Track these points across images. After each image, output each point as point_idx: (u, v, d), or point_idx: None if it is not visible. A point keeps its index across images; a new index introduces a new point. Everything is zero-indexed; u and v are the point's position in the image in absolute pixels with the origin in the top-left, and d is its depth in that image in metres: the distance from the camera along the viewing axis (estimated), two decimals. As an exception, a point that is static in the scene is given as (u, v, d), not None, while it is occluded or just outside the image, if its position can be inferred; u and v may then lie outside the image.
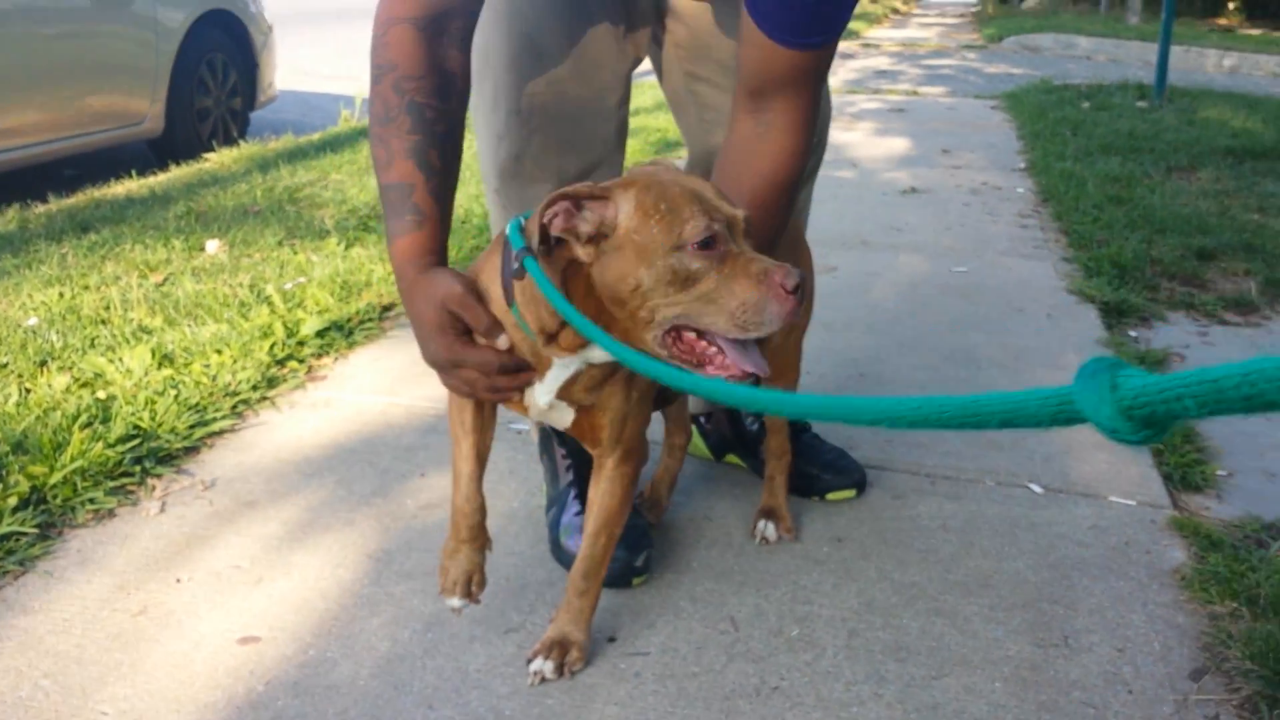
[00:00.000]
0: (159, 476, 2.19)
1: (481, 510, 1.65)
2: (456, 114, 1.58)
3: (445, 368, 1.49)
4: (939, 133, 6.69)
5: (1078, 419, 0.57)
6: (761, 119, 1.60)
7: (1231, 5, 19.37)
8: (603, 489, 1.62)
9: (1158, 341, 3.08)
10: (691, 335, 1.31)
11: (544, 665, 1.61)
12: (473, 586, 1.66)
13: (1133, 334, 3.14)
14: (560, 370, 1.47)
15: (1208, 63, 12.56)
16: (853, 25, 16.15)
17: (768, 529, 2.02)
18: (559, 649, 1.63)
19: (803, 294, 1.26)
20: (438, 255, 1.53)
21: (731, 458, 2.30)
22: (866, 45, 14.38)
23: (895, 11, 24.99)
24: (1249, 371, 0.48)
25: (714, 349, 1.31)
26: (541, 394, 1.50)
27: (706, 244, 1.27)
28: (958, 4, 33.33)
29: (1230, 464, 2.35)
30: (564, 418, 1.55)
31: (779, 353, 1.96)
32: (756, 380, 1.30)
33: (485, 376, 1.46)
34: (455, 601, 1.66)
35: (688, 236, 1.27)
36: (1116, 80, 9.02)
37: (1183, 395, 0.52)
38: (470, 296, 1.43)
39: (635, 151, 5.52)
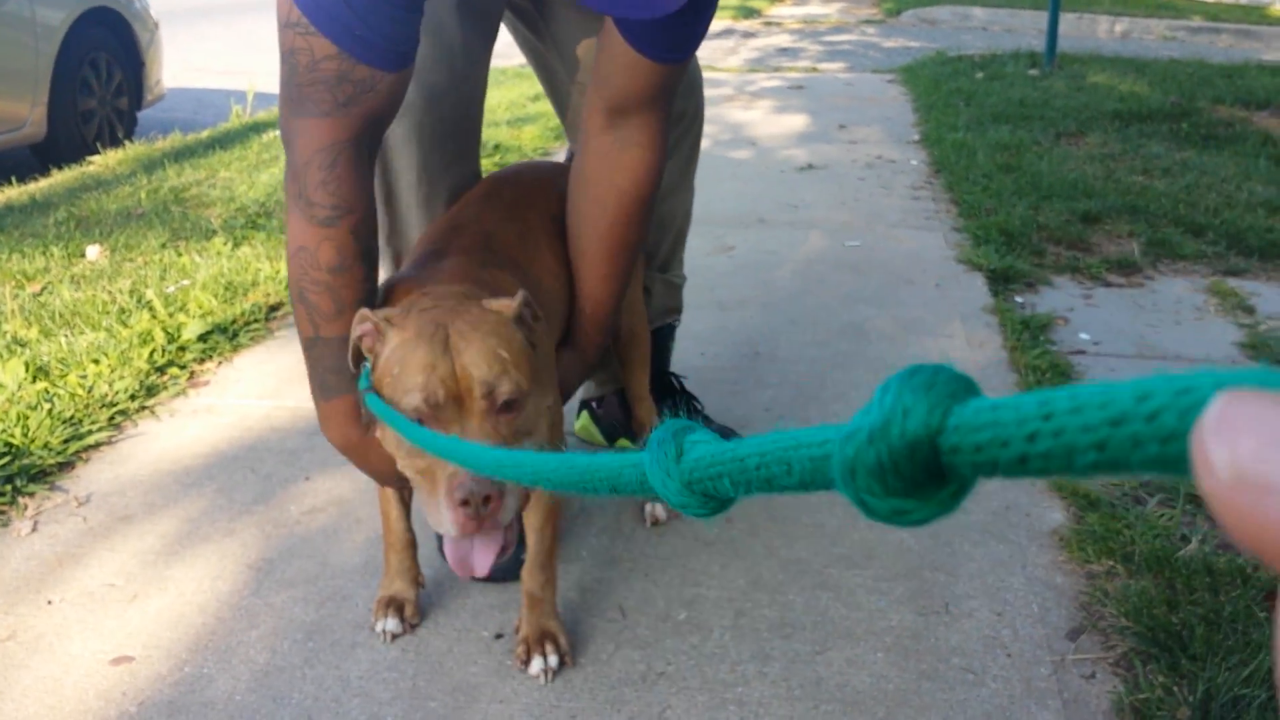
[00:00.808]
0: (31, 495, 2.12)
1: (412, 546, 1.74)
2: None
3: (395, 480, 1.50)
4: (837, 108, 6.74)
5: (651, 491, 0.52)
6: (619, 135, 1.60)
7: (1121, -29, 19.79)
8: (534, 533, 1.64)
9: (1043, 305, 3.14)
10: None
11: (548, 661, 1.61)
12: (406, 613, 1.71)
13: (1019, 299, 3.20)
14: None
15: (1099, 29, 12.83)
16: (755, 3, 16.21)
17: (656, 508, 2.03)
18: (549, 641, 1.62)
19: (481, 509, 1.23)
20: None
21: (624, 441, 2.29)
22: (768, 23, 14.44)
23: (797, -12, 25.11)
24: (764, 452, 0.44)
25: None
26: None
27: (417, 420, 1.26)
28: (859, -22, 33.57)
29: (1111, 423, 2.40)
30: None
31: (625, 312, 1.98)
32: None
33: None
34: (390, 624, 1.69)
35: (401, 407, 1.27)
36: (1010, 50, 9.16)
37: (722, 474, 0.47)
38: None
39: (533, 138, 5.48)
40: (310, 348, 1.47)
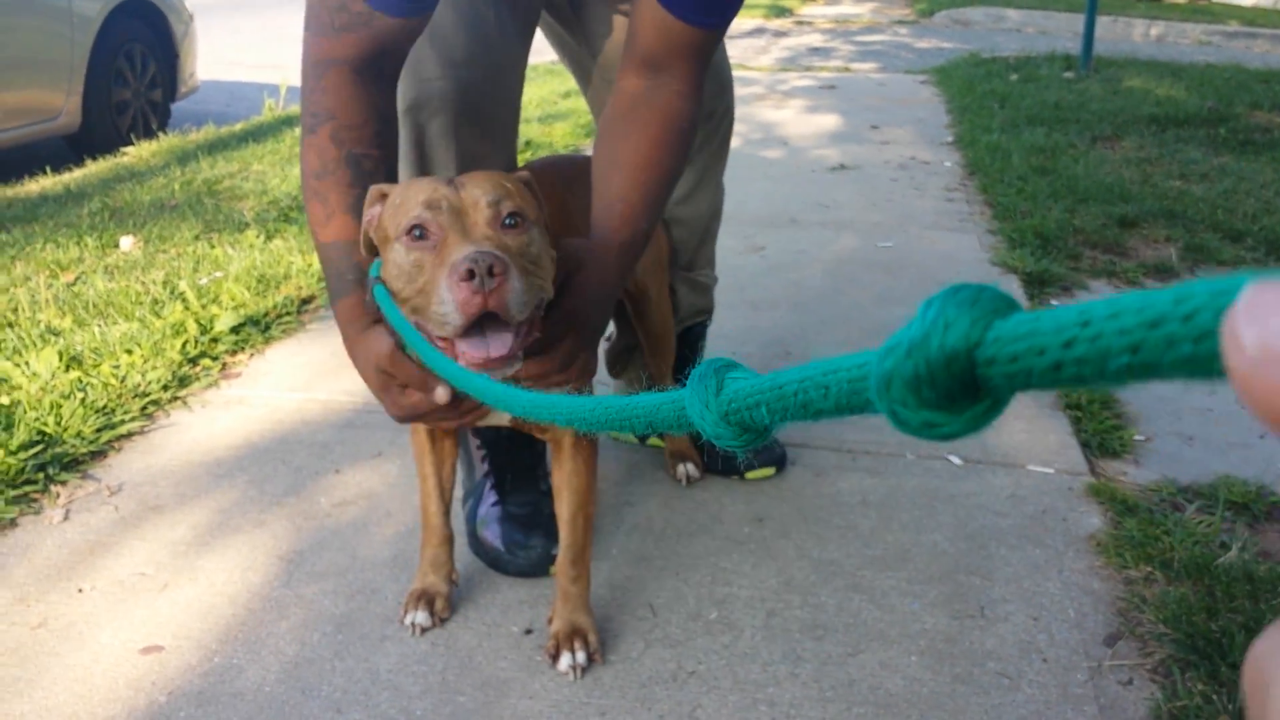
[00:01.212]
0: (63, 483, 2.13)
1: (449, 541, 1.74)
2: (392, 161, 1.54)
3: (406, 420, 1.44)
4: (869, 109, 6.70)
5: (689, 424, 0.54)
6: (654, 82, 1.56)
7: (1157, -25, 19.63)
8: (567, 470, 1.60)
9: (1079, 310, 3.10)
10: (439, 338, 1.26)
11: (576, 658, 1.59)
12: (436, 607, 1.71)
13: (1054, 303, 3.16)
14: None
15: (1134, 32, 12.72)
16: (786, 3, 16.16)
17: (688, 469, 2.13)
18: (579, 638, 1.61)
19: (485, 281, 1.14)
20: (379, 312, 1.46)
21: (654, 440, 2.28)
22: (800, 23, 14.39)
23: (829, -12, 25.03)
24: (804, 378, 0.45)
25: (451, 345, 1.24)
26: None
27: (415, 234, 1.23)
28: (891, -20, 33.45)
29: (1148, 429, 2.37)
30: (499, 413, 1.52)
31: (649, 306, 1.97)
32: (508, 365, 1.22)
33: (445, 418, 1.42)
34: (420, 617, 1.69)
35: (401, 226, 1.25)
36: (1045, 52, 9.09)
37: (760, 402, 0.49)
38: (399, 353, 1.36)
39: (564, 135, 5.48)
40: (319, 255, 1.49)
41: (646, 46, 1.56)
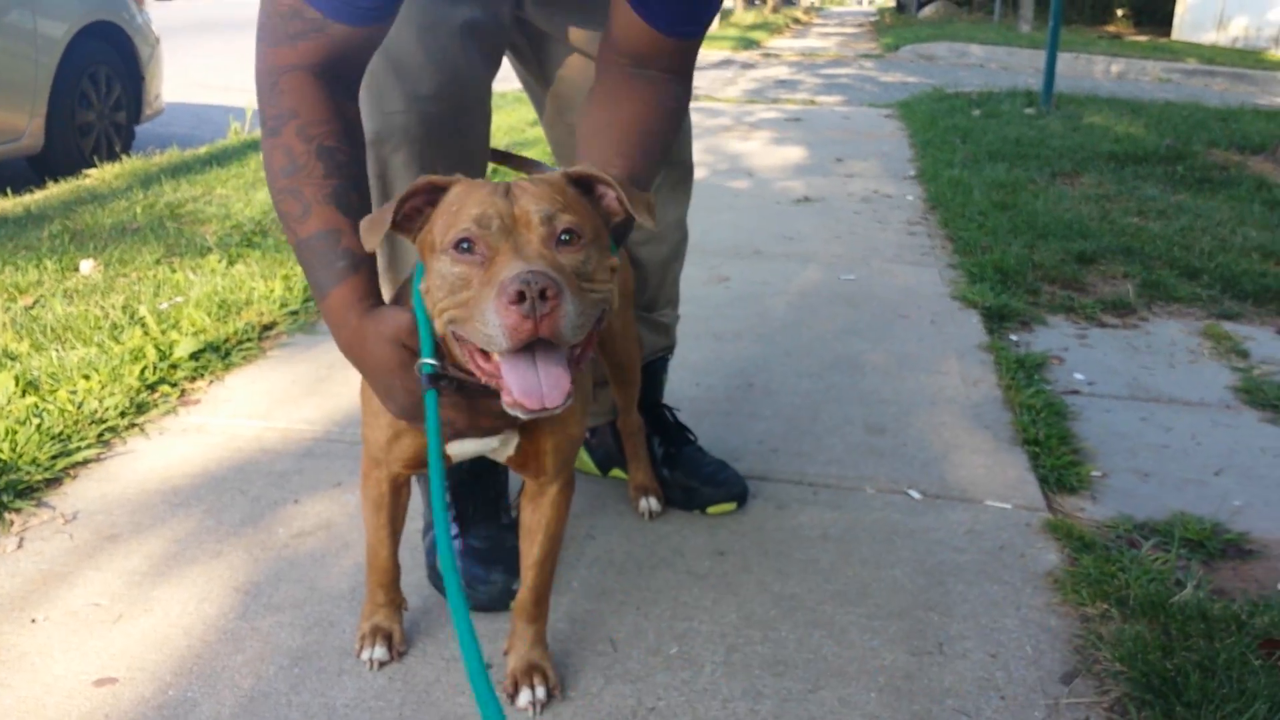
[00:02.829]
0: (17, 511, 2.09)
1: (397, 576, 1.71)
2: (362, 158, 1.49)
3: (412, 416, 1.38)
4: (834, 141, 6.77)
5: None
6: (639, 68, 1.56)
7: (1120, 12, 20.00)
8: (546, 514, 1.58)
9: (1038, 344, 3.14)
10: (479, 351, 1.21)
11: (536, 694, 1.58)
12: (394, 641, 1.70)
13: (1014, 338, 3.20)
14: None
15: (1096, 69, 12.94)
16: (754, 35, 16.31)
17: (650, 503, 2.13)
18: (538, 674, 1.60)
19: (537, 305, 1.10)
20: (376, 297, 1.41)
21: (616, 472, 2.28)
22: (767, 55, 14.53)
23: (796, 21, 25.33)
24: None
25: (494, 366, 1.19)
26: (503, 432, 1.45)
27: (463, 247, 1.19)
28: (857, 14, 33.93)
29: (1104, 464, 2.40)
30: (507, 448, 1.50)
31: (613, 339, 1.96)
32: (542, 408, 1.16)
33: (465, 413, 1.38)
34: (378, 652, 1.68)
35: (449, 239, 1.21)
36: (1007, 88, 9.22)
37: None
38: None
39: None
40: (299, 255, 1.43)
41: (628, 48, 1.56)
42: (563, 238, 1.20)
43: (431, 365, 1.26)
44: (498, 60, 1.88)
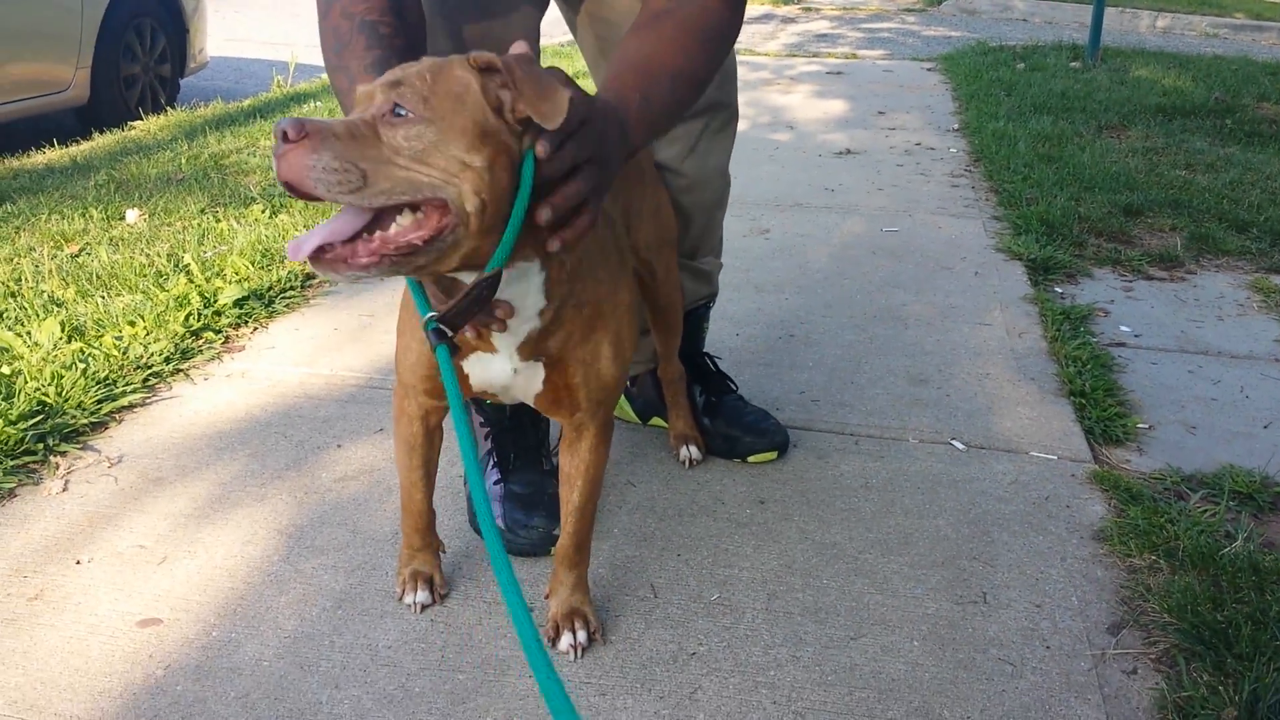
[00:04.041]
0: (63, 454, 2.12)
1: (433, 520, 1.70)
2: (414, 29, 1.48)
3: None
4: (876, 95, 6.67)
5: None
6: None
7: (1166, -34, 19.52)
8: (584, 459, 1.56)
9: (1083, 297, 3.09)
10: None
11: (577, 637, 1.59)
12: (435, 584, 1.70)
13: (1059, 290, 3.15)
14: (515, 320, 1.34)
15: (1141, 24, 12.65)
16: (793, -12, 16.06)
17: (691, 451, 2.12)
18: (579, 618, 1.61)
19: (278, 145, 1.09)
20: None
21: (657, 420, 2.27)
22: (807, 9, 14.32)
23: (836, -26, 24.91)
24: None
25: None
26: (503, 357, 1.39)
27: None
28: (899, -34, 33.33)
29: (1151, 417, 2.36)
30: (533, 382, 1.45)
31: (657, 284, 1.93)
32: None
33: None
34: (420, 595, 1.68)
35: None
36: (1051, 42, 9.04)
37: None
38: None
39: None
40: None
41: None
42: (397, 110, 1.13)
43: (434, 320, 1.20)
44: (544, 2, 1.85)
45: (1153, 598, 1.71)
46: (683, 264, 2.11)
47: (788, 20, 12.10)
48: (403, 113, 1.13)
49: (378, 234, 1.14)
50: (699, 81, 1.47)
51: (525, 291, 1.31)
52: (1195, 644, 1.59)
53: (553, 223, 1.18)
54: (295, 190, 1.10)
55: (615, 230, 1.56)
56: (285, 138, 1.09)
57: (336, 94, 1.45)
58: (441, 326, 1.20)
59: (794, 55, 8.70)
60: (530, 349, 1.39)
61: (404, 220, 1.14)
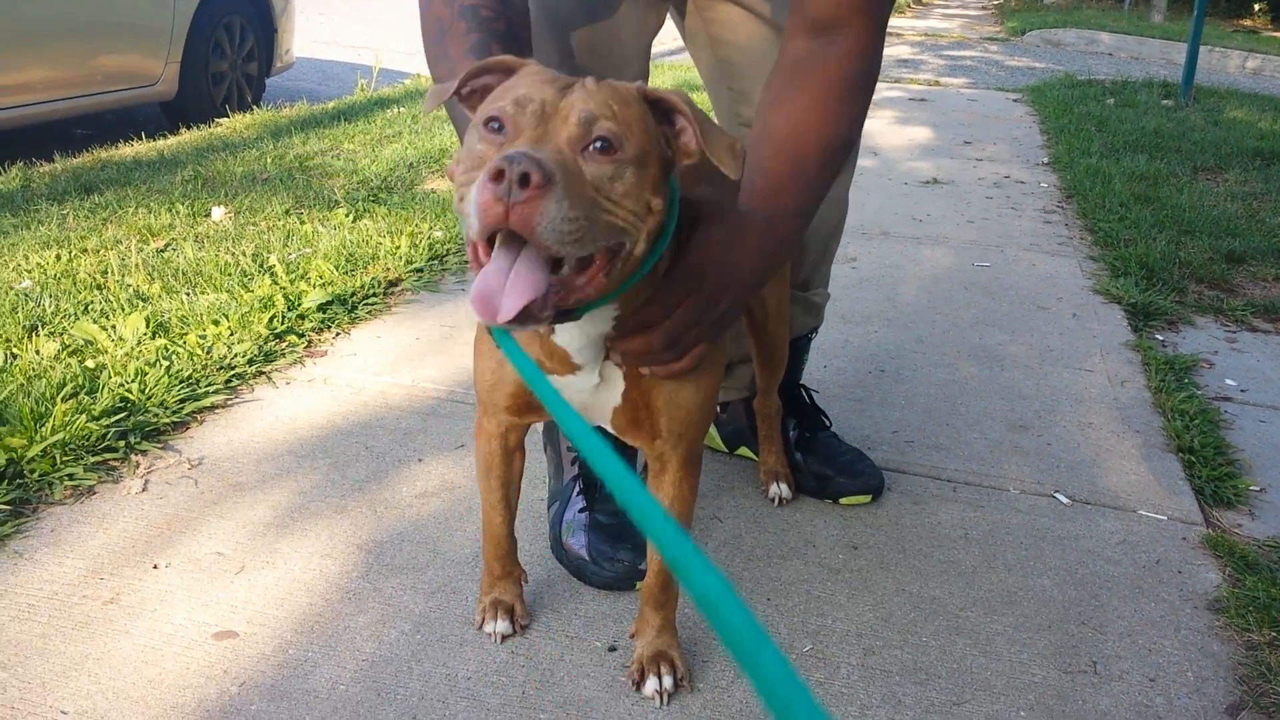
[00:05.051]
0: (144, 453, 2.09)
1: (514, 548, 1.64)
2: (516, 15, 1.43)
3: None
4: (961, 124, 6.55)
5: None
6: (822, 40, 1.39)
7: (1258, 7, 19.13)
8: (670, 491, 1.45)
9: (1185, 346, 2.96)
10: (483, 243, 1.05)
11: (663, 683, 1.51)
12: (515, 614, 1.64)
13: (1159, 337, 3.03)
14: (579, 354, 1.27)
15: (1230, 64, 12.37)
16: (875, 12, 15.95)
17: (781, 489, 2.05)
18: (665, 662, 1.53)
19: (513, 189, 0.94)
20: None
21: (744, 451, 2.20)
22: (888, 34, 14.20)
23: (918, 1, 24.75)
24: None
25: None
26: (582, 369, 1.30)
27: (493, 126, 1.06)
28: (980, -5, 33.09)
29: (1263, 479, 2.25)
30: (609, 397, 1.35)
31: (767, 317, 1.86)
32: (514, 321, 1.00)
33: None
34: (501, 625, 1.63)
35: (482, 114, 1.08)
36: (1141, 78, 8.85)
37: None
38: None
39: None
40: (449, 114, 1.39)
41: (813, 3, 1.39)
42: (597, 144, 1.04)
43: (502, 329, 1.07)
44: (660, 14, 1.80)
45: (1274, 678, 1.60)
46: (795, 295, 2.03)
47: (870, 44, 11.98)
48: (601, 146, 1.04)
49: (558, 284, 1.03)
50: (839, 149, 1.39)
51: (588, 342, 1.26)
52: (1326, 734, 1.48)
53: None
54: (495, 231, 0.99)
55: None
56: (525, 182, 0.95)
57: (435, 80, 1.40)
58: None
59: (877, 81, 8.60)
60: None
61: (570, 262, 1.03)
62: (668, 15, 1.87)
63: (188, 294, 2.78)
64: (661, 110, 1.14)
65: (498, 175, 0.94)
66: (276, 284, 2.84)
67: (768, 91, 1.41)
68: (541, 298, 1.00)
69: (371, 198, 3.88)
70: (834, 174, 1.39)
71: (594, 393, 1.34)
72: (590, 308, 1.12)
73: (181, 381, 2.31)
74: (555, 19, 1.66)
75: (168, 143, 4.86)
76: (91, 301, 2.72)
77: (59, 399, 2.14)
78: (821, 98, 1.36)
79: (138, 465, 2.05)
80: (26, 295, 2.74)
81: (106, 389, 2.21)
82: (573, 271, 1.04)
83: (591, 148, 1.04)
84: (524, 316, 0.99)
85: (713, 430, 2.21)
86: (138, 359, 2.37)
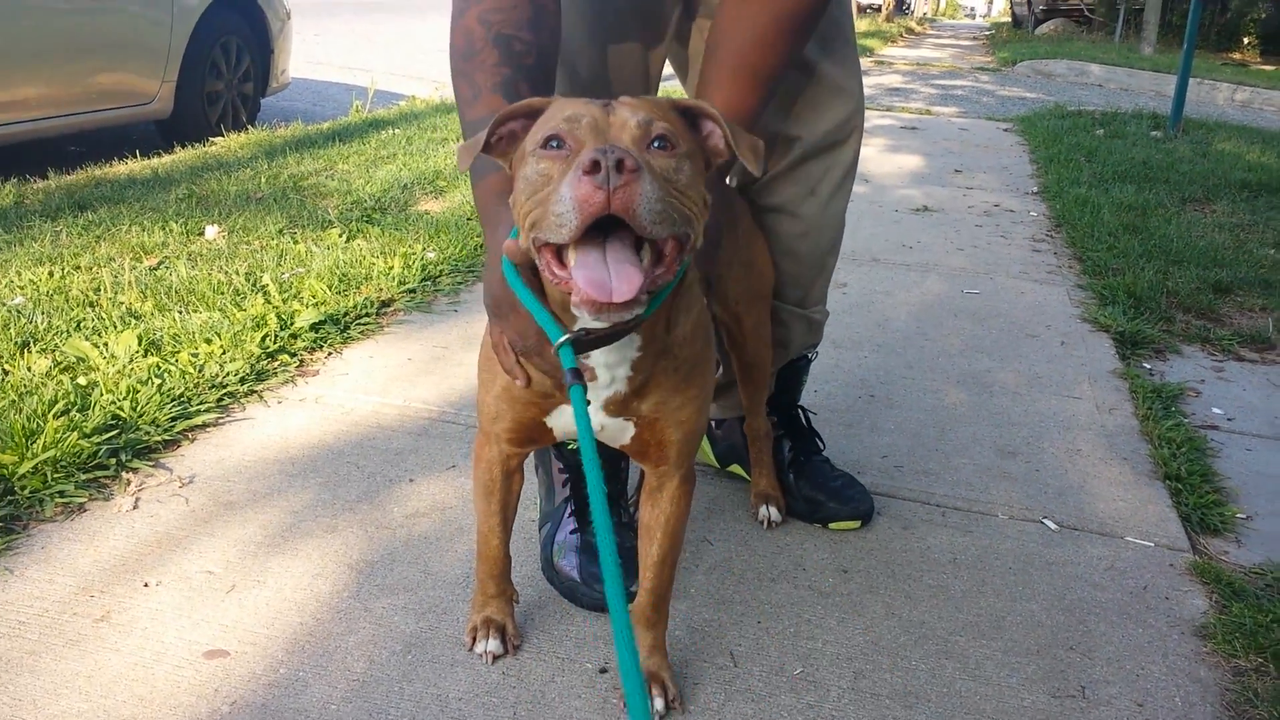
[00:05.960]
0: (135, 470, 2.09)
1: (509, 567, 1.66)
2: (548, 48, 1.47)
3: (530, 351, 1.29)
4: (951, 153, 6.61)
5: None
6: None
7: (1246, 40, 19.33)
8: (665, 511, 1.50)
9: (1172, 374, 2.99)
10: (554, 258, 1.09)
11: (655, 704, 1.52)
12: (507, 634, 1.65)
13: (1147, 365, 3.05)
14: (605, 371, 1.31)
15: (1219, 96, 12.50)
16: (867, 43, 16.09)
17: (771, 512, 2.05)
18: (656, 684, 1.54)
19: (611, 175, 0.99)
20: None
21: (736, 468, 2.20)
22: (880, 62, 14.32)
23: (909, 31, 24.96)
24: None
25: (568, 272, 1.07)
26: (591, 409, 1.34)
27: (552, 145, 1.11)
28: (971, 27, 33.42)
29: (1249, 506, 2.26)
30: (621, 436, 1.42)
31: (745, 337, 1.89)
32: (606, 309, 1.03)
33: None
34: (492, 645, 1.63)
35: (537, 139, 1.13)
36: (1130, 109, 8.93)
37: None
38: None
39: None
40: (465, 136, 1.42)
41: None
42: (656, 142, 1.11)
43: (566, 341, 1.16)
44: (661, 58, 1.82)
45: (1260, 704, 1.61)
46: (794, 312, 2.05)
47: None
48: (660, 144, 1.11)
49: (647, 271, 1.07)
50: (781, 76, 1.56)
51: (620, 359, 1.29)
52: (1311, 760, 1.49)
53: None
54: (614, 239, 1.05)
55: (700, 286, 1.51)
56: (621, 167, 1.00)
57: (456, 97, 1.45)
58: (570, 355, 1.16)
59: (867, 108, 8.66)
60: (617, 408, 1.36)
61: (645, 254, 1.08)
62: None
63: (180, 312, 2.79)
64: (690, 117, 1.22)
65: (594, 167, 1.00)
66: (269, 303, 2.85)
67: (717, 19, 1.54)
68: (639, 291, 1.04)
69: (365, 218, 3.90)
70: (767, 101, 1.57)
71: (602, 432, 1.40)
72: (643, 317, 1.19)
73: (173, 399, 2.32)
74: (570, 69, 1.69)
75: (162, 161, 4.87)
76: (84, 319, 2.73)
77: (50, 416, 2.14)
78: (769, 34, 1.52)
79: (129, 483, 2.05)
80: (19, 312, 2.75)
81: (98, 406, 2.21)
82: (650, 261, 1.09)
83: (653, 145, 1.11)
84: (627, 307, 1.04)
85: (706, 445, 2.22)
86: (130, 377, 2.37)
